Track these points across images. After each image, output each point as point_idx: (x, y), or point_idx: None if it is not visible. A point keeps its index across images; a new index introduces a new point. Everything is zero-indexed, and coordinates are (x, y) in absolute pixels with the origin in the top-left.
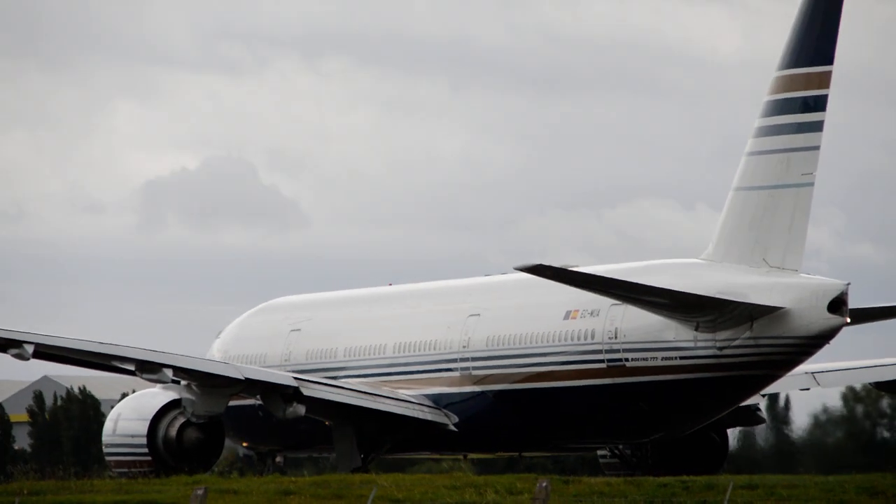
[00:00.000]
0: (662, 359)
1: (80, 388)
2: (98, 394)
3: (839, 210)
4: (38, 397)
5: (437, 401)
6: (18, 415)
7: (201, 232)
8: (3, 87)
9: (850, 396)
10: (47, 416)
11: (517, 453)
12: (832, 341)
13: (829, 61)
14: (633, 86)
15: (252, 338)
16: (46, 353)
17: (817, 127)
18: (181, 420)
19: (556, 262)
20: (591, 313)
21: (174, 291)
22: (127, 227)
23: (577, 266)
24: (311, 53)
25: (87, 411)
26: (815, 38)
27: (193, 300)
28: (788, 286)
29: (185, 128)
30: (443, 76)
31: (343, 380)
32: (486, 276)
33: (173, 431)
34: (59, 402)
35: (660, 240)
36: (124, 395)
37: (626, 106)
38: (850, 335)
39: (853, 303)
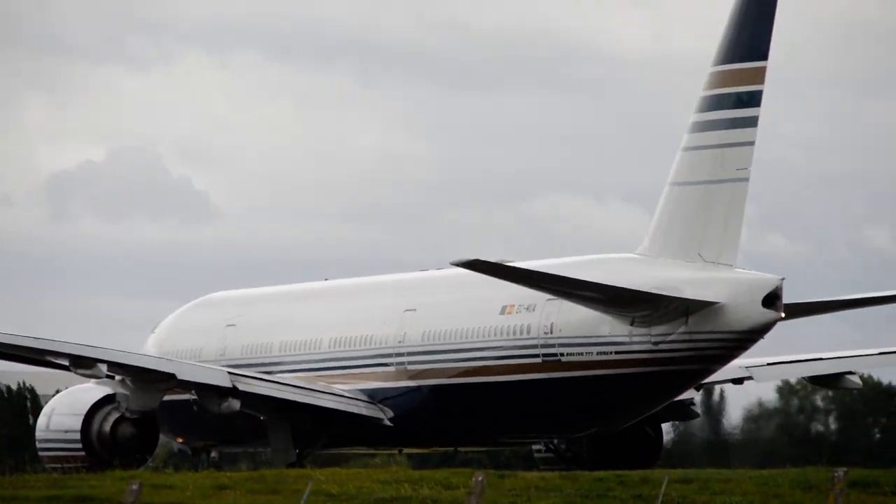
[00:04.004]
0: (598, 353)
1: (20, 383)
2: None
3: (756, 204)
4: None
5: (373, 395)
6: None
7: (111, 225)
8: None
9: (785, 390)
10: None
11: (453, 448)
12: (766, 336)
13: (764, 57)
14: (543, 79)
15: (187, 332)
16: None
17: (752, 122)
18: (115, 415)
19: (472, 257)
20: (527, 308)
21: (85, 285)
22: (36, 221)
23: (512, 261)
24: (219, 48)
25: (23, 407)
26: (750, 35)
27: (105, 294)
28: (723, 281)
29: (93, 121)
30: (353, 70)
31: (279, 375)
32: (421, 271)
33: (107, 426)
34: None
35: (575, 234)
36: (58, 391)
37: (536, 100)
38: (785, 330)
39: (787, 298)
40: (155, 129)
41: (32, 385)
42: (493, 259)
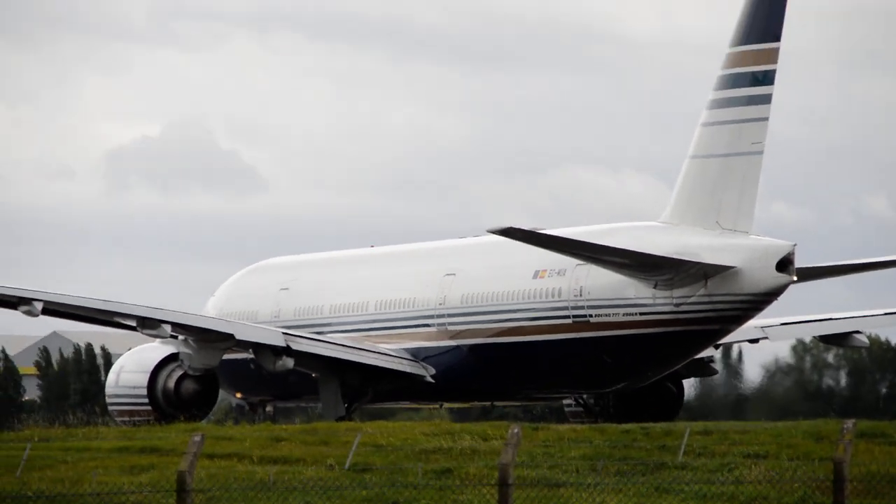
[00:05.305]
0: (624, 315)
1: (85, 345)
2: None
3: (764, 174)
4: (44, 351)
5: (416, 354)
6: (28, 367)
7: (166, 196)
8: None
9: (799, 349)
10: (56, 368)
11: (490, 403)
12: (780, 298)
13: (777, 38)
14: (562, 60)
15: (244, 296)
16: (54, 309)
17: (766, 100)
18: (179, 372)
19: (507, 225)
20: (558, 273)
21: (140, 253)
22: (97, 192)
23: (544, 229)
24: (262, 30)
25: (96, 364)
26: (764, 17)
27: (161, 260)
28: (739, 247)
29: (148, 99)
30: (387, 51)
31: (329, 335)
32: (460, 238)
33: (171, 383)
34: (68, 356)
35: (591, 202)
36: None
37: (555, 79)
38: (797, 292)
39: (799, 262)
40: (205, 106)
41: (104, 345)
42: (526, 227)
